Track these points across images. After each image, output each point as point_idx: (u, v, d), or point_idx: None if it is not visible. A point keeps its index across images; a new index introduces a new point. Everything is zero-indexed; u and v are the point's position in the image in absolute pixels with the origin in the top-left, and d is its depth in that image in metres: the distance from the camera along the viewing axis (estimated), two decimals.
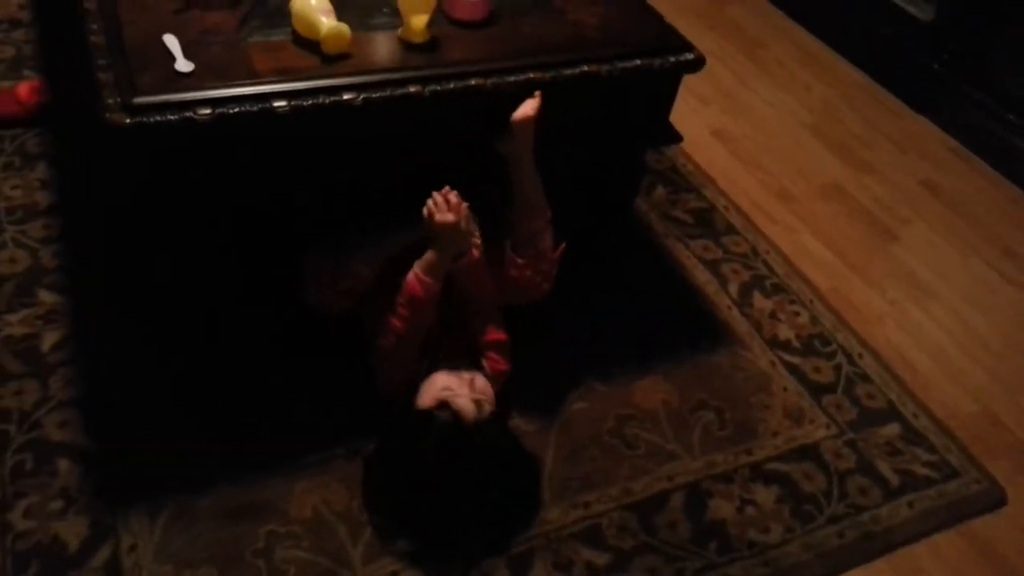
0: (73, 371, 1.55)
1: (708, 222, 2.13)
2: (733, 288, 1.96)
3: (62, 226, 1.81)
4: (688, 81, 1.67)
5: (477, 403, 1.36)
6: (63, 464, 1.42)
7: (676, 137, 1.78)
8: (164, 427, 1.49)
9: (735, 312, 1.90)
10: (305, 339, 1.65)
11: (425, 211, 1.38)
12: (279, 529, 1.38)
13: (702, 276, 1.98)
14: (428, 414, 1.34)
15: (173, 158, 1.32)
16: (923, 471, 1.64)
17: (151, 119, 1.24)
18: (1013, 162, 2.46)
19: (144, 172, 1.35)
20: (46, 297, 1.67)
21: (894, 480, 1.61)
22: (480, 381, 1.41)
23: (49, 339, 1.60)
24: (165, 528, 1.36)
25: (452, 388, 1.37)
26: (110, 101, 1.25)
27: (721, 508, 1.52)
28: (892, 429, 1.71)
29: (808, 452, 1.63)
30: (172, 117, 1.25)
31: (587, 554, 1.42)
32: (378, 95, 1.35)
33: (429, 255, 1.40)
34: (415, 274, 1.40)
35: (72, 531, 1.34)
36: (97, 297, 1.68)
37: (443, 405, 1.34)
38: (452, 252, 1.41)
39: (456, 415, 1.33)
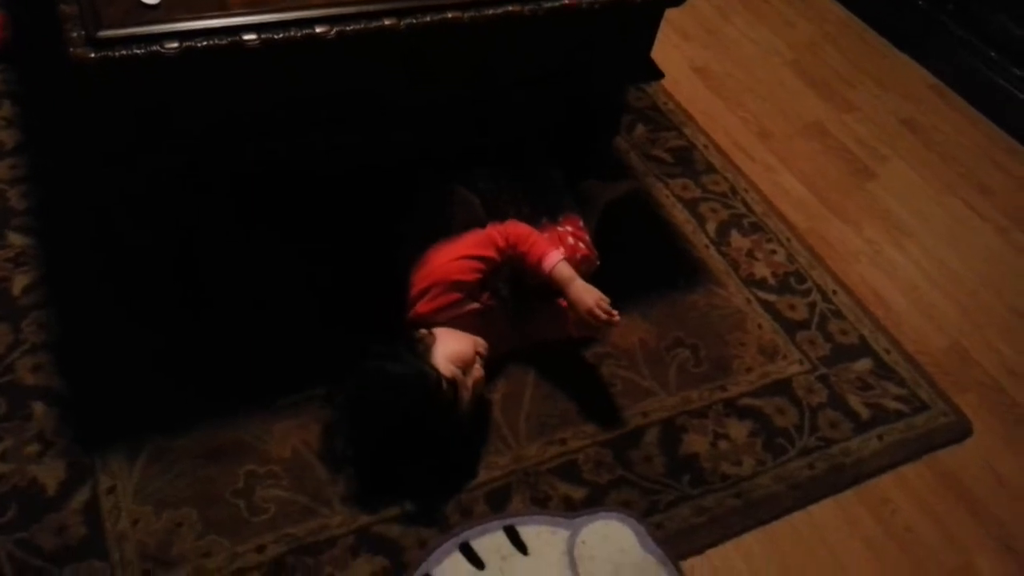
0: (46, 314, 1.53)
1: (688, 161, 2.11)
2: (711, 227, 1.96)
3: (30, 166, 1.77)
4: (670, 16, 1.64)
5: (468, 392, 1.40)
6: (38, 408, 1.41)
7: (657, 73, 1.75)
8: (140, 369, 1.49)
9: (712, 251, 1.91)
10: (284, 281, 1.64)
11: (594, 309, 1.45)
12: (258, 469, 1.39)
13: (680, 215, 1.97)
14: (430, 375, 1.35)
15: (141, 94, 1.29)
16: (893, 405, 1.67)
17: (116, 53, 1.20)
18: (993, 101, 2.46)
19: (111, 110, 1.32)
20: (16, 239, 1.64)
21: (864, 414, 1.64)
22: (479, 370, 1.43)
23: (20, 282, 1.57)
24: (144, 469, 1.36)
25: (467, 362, 1.40)
26: (74, 35, 1.21)
27: (695, 442, 1.54)
28: (864, 364, 1.74)
29: (781, 387, 1.66)
30: (139, 51, 1.21)
31: (564, 488, 1.45)
32: (352, 28, 1.31)
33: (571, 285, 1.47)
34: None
35: (50, 474, 1.34)
36: (69, 239, 1.65)
37: (451, 382, 1.36)
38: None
39: (454, 395, 1.36)
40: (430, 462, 1.43)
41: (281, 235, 1.67)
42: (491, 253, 1.48)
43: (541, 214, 1.65)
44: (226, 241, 1.61)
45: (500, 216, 1.58)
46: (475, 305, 1.47)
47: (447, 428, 1.40)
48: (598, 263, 1.63)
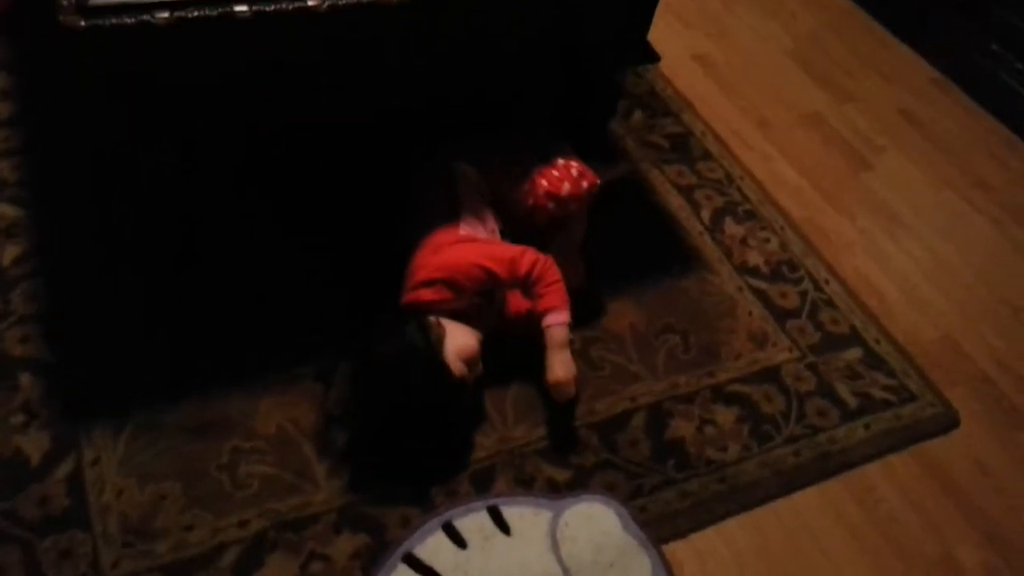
0: (34, 286, 1.53)
1: (684, 147, 2.11)
2: (705, 214, 1.95)
3: (23, 138, 1.77)
4: (672, 2, 1.63)
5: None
6: (24, 379, 1.41)
7: (653, 56, 1.75)
8: (127, 343, 1.49)
9: (706, 238, 1.90)
10: (275, 260, 1.64)
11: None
12: (243, 445, 1.39)
13: (675, 201, 1.97)
14: (445, 369, 1.36)
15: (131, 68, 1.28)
16: (881, 395, 1.67)
17: (107, 22, 1.20)
18: (993, 93, 2.44)
19: (101, 82, 1.31)
20: (7, 211, 1.64)
21: (852, 403, 1.64)
22: (480, 367, 1.45)
23: (10, 253, 1.57)
24: (128, 443, 1.37)
25: (473, 358, 1.41)
26: (65, 3, 1.21)
27: (681, 427, 1.54)
28: (853, 354, 1.73)
29: (769, 375, 1.66)
30: (129, 20, 1.21)
31: (549, 470, 1.45)
32: (344, 1, 1.31)
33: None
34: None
35: (34, 445, 1.34)
36: (60, 212, 1.65)
37: (461, 377, 1.38)
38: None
39: (462, 390, 1.39)
40: (423, 447, 1.43)
41: (283, 229, 1.66)
42: (503, 273, 1.46)
43: (532, 164, 1.61)
44: (227, 235, 1.61)
45: (496, 185, 1.58)
46: (474, 299, 1.47)
47: (449, 418, 1.42)
48: (598, 182, 1.63)
